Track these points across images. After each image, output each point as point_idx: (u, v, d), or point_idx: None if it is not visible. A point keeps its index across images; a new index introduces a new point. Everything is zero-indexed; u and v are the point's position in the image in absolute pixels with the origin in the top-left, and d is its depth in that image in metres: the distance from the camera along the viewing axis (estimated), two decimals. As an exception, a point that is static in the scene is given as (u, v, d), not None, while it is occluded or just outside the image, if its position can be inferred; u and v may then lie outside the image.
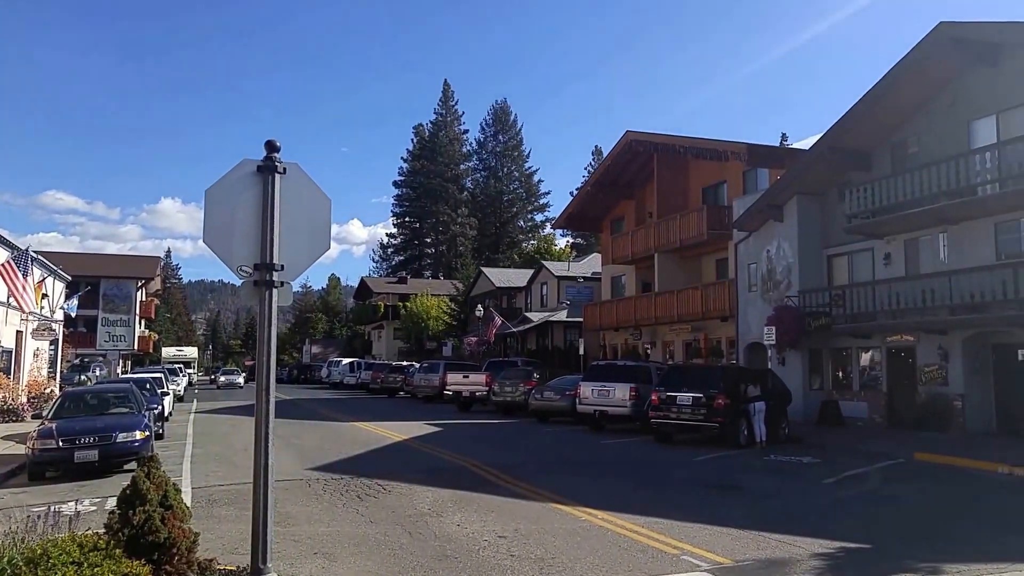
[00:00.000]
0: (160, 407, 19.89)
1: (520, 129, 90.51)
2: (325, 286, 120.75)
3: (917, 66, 20.16)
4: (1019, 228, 18.90)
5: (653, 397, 19.04)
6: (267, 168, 5.16)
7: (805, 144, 26.26)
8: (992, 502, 11.46)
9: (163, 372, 30.62)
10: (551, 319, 44.32)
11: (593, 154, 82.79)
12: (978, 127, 20.08)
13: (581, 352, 34.22)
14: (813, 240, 24.57)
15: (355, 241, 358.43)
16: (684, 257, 33.26)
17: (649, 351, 35.10)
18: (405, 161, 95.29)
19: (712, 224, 29.65)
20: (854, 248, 23.46)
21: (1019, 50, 18.64)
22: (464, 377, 31.45)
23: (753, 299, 26.48)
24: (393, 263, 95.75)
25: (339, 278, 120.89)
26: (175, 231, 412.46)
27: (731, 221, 27.75)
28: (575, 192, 44.49)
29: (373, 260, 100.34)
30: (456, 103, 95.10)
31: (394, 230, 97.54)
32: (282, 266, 5.14)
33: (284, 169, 5.24)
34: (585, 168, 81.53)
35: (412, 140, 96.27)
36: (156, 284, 71.71)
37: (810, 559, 7.66)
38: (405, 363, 47.87)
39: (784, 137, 65.14)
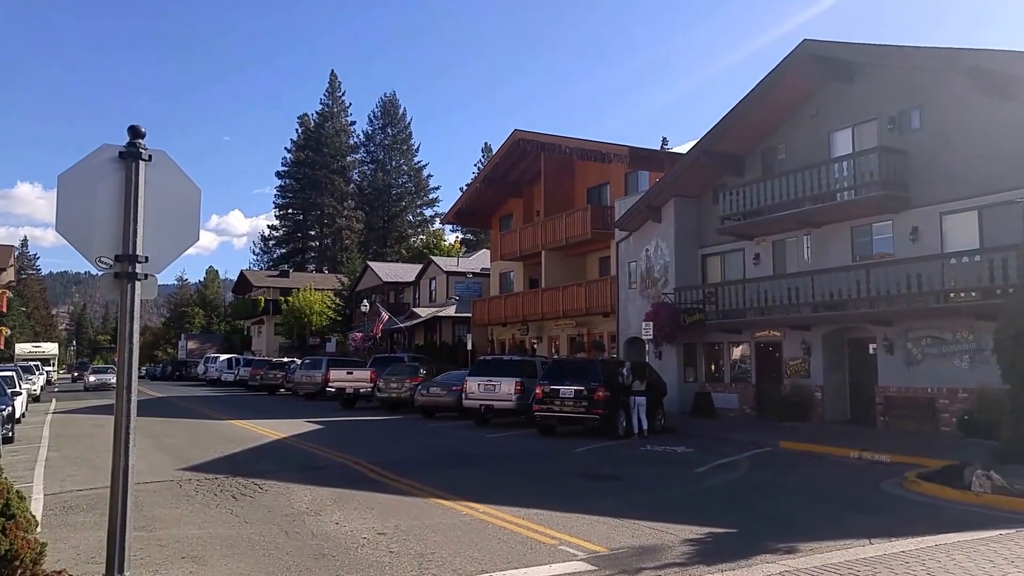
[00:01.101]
0: (9, 408, 18.49)
1: (409, 123, 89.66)
2: (203, 279, 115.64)
3: (784, 79, 21.41)
4: (871, 232, 20.42)
5: (537, 391, 19.36)
6: (130, 155, 4.91)
7: (685, 148, 27.32)
8: (845, 485, 12.31)
9: (15, 370, 28.47)
10: (440, 315, 44.23)
11: (483, 151, 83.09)
12: (837, 138, 21.53)
13: (469, 347, 34.36)
14: (689, 240, 25.66)
15: (236, 233, 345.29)
16: (569, 255, 34.01)
17: (536, 346, 35.67)
18: (289, 151, 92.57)
19: (596, 223, 30.49)
20: (727, 248, 24.67)
21: (869, 69, 20.08)
22: (348, 373, 30.95)
23: (633, 296, 27.39)
24: (275, 256, 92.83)
25: (217, 271, 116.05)
26: (34, 218, 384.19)
27: (613, 221, 28.58)
28: (465, 188, 44.55)
29: (254, 253, 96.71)
30: (343, 94, 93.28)
31: (276, 222, 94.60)
32: (146, 258, 4.91)
33: (150, 156, 5.00)
34: (475, 164, 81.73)
35: (297, 130, 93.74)
36: (9, 275, 66.59)
37: (681, 544, 7.96)
38: (286, 359, 46.56)
39: (665, 141, 67.56)
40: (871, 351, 20.44)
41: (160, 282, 5.86)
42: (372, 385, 29.35)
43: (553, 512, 9.55)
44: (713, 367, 25.17)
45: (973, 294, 16.97)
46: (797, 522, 9.25)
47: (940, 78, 18.52)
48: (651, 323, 23.30)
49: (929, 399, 18.43)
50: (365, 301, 47.05)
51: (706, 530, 8.61)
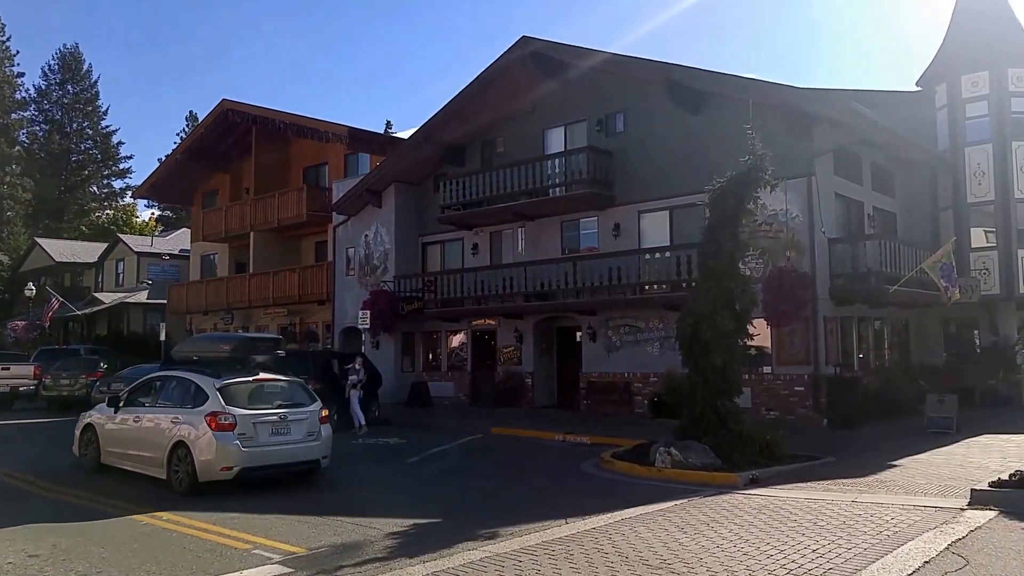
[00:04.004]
0: None
1: (96, 81, 78.55)
2: None
3: (504, 73, 21.93)
4: (579, 227, 21.74)
5: None
6: None
7: (409, 133, 26.99)
8: (548, 467, 12.78)
9: None
10: (128, 301, 39.44)
11: (188, 119, 75.60)
12: (551, 135, 22.62)
13: (163, 338, 30.91)
14: (410, 227, 25.43)
15: None
16: (283, 237, 32.10)
17: (242, 335, 33.19)
18: (-66, 101, 76.79)
19: (312, 205, 29.04)
20: (447, 237, 24.82)
21: (581, 72, 21.08)
22: (4, 369, 26.17)
23: (351, 283, 26.53)
24: (-86, 227, 76.68)
25: None
26: None
27: (332, 204, 27.45)
28: (164, 159, 40.04)
29: None
30: (8, 39, 79.45)
31: (-83, 186, 78.10)
32: None
33: None
34: (178, 134, 74.03)
35: (-55, 77, 78.03)
36: None
37: (384, 539, 7.74)
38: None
39: (389, 125, 66.65)
40: (578, 339, 21.73)
41: None
42: (37, 382, 25.17)
43: (250, 515, 8.85)
44: (431, 356, 25.20)
45: (664, 286, 18.69)
46: (501, 507, 9.38)
47: (642, 87, 20.12)
48: (368, 312, 22.67)
49: (626, 383, 20.02)
50: (31, 284, 40.24)
51: (411, 522, 8.51)
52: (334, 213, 27.24)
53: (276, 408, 10.71)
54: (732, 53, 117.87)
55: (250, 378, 11.01)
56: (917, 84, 22.64)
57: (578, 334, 21.67)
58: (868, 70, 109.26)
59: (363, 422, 17.75)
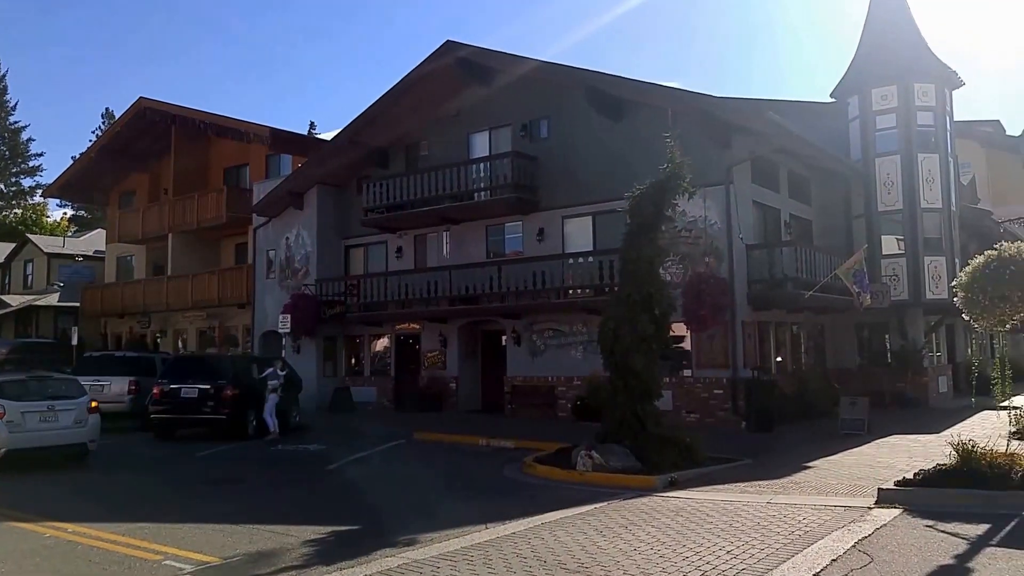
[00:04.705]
0: None
1: (4, 75, 75.19)
2: None
3: (429, 76, 21.72)
4: (504, 231, 21.69)
5: (155, 391, 17.44)
6: None
7: (333, 135, 26.55)
8: (471, 472, 12.70)
9: None
10: (37, 304, 37.54)
11: (104, 117, 72.66)
12: (476, 139, 22.54)
13: (75, 342, 29.51)
14: (332, 230, 24.97)
15: None
16: (203, 240, 31.14)
17: (160, 341, 32.04)
18: None
19: (233, 207, 28.27)
20: (370, 240, 24.44)
21: (504, 76, 21.07)
22: None
23: (271, 286, 25.86)
24: None
25: None
26: None
27: (253, 205, 26.73)
28: (78, 157, 38.27)
29: None
30: (-89, 30, 75.07)
31: None
32: None
33: None
34: (94, 132, 70.97)
35: None
36: None
37: (301, 546, 7.61)
38: None
39: (313, 125, 65.36)
40: (503, 343, 21.65)
41: None
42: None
43: (161, 524, 8.56)
44: (354, 361, 24.76)
45: (587, 291, 18.81)
46: (422, 513, 9.29)
47: (565, 93, 20.22)
48: (289, 316, 22.15)
49: (550, 387, 20.05)
50: (-71, 286, 38.01)
51: (330, 529, 8.38)
52: (255, 215, 26.55)
53: (46, 400, 12.61)
54: (663, 63, 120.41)
55: (23, 376, 13.28)
56: (832, 96, 23.41)
57: (503, 338, 21.59)
58: (791, 81, 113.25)
59: (275, 429, 17.30)
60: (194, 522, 8.76)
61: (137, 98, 30.92)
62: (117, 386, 19.06)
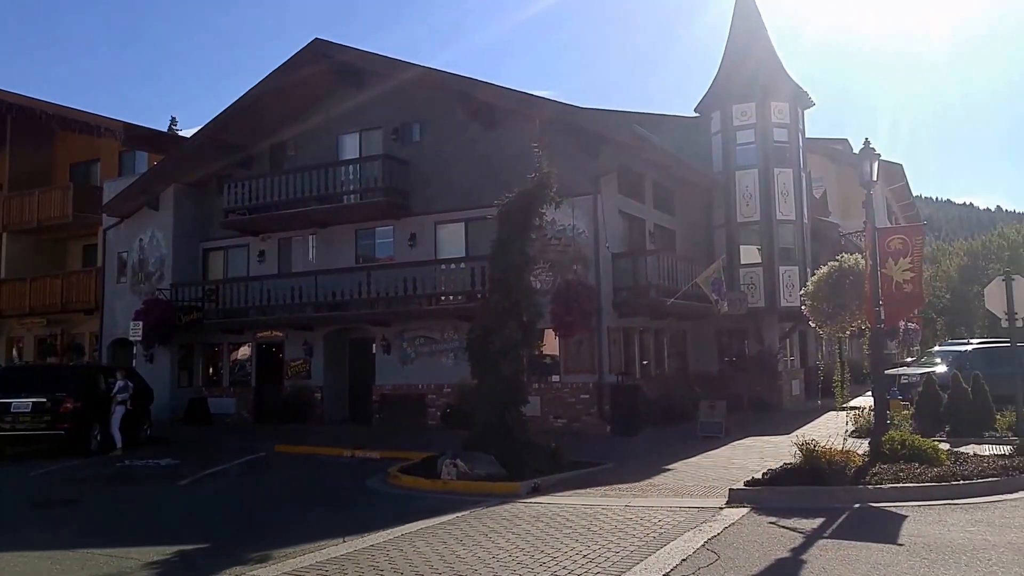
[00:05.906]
0: None
1: None
2: None
3: (295, 74, 20.98)
4: (375, 236, 21.21)
5: None
6: None
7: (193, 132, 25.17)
8: (332, 485, 12.22)
9: None
10: None
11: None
12: (345, 141, 21.95)
13: None
14: (190, 232, 23.63)
15: None
16: (44, 240, 28.71)
17: (-8, 350, 29.24)
18: None
19: (80, 205, 26.17)
20: (231, 243, 23.29)
21: (376, 78, 20.61)
22: None
23: (122, 291, 24.14)
24: None
25: None
26: None
27: (103, 204, 24.91)
28: None
29: None
30: None
31: None
32: None
33: None
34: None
35: None
36: None
37: (142, 570, 7.12)
38: None
39: (174, 122, 62.01)
40: (372, 351, 21.12)
41: None
42: None
43: None
44: (212, 371, 23.47)
45: (459, 297, 18.65)
46: (277, 528, 8.89)
47: (438, 98, 20.02)
48: (140, 322, 20.73)
49: (420, 395, 19.72)
50: None
51: (175, 548, 7.87)
52: (105, 215, 24.74)
53: None
54: (536, 74, 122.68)
55: None
56: (696, 110, 24.44)
57: (372, 346, 21.05)
58: (660, 95, 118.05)
59: (119, 444, 16.14)
60: (18, 550, 7.95)
61: (-31, 85, 28.23)
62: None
